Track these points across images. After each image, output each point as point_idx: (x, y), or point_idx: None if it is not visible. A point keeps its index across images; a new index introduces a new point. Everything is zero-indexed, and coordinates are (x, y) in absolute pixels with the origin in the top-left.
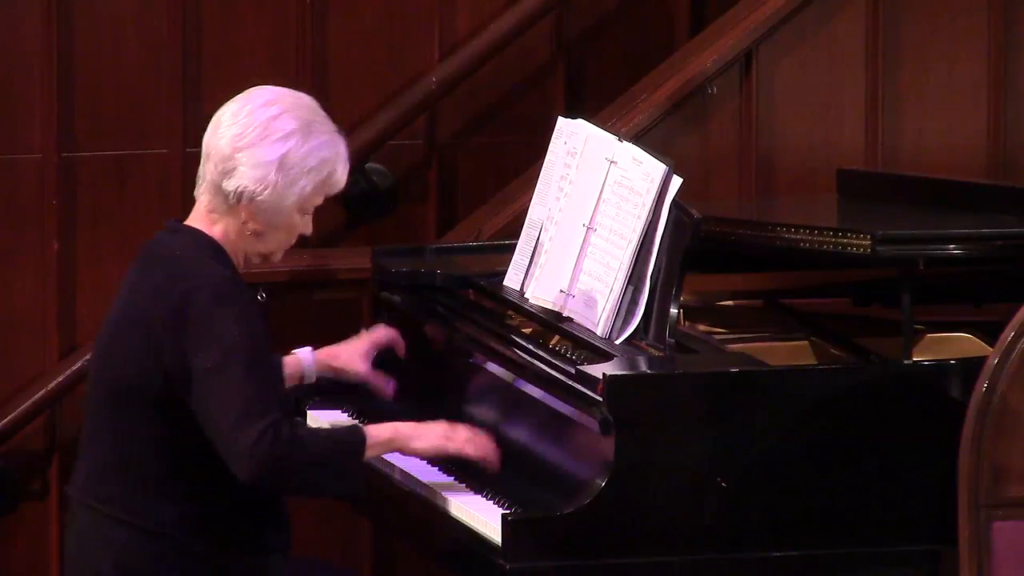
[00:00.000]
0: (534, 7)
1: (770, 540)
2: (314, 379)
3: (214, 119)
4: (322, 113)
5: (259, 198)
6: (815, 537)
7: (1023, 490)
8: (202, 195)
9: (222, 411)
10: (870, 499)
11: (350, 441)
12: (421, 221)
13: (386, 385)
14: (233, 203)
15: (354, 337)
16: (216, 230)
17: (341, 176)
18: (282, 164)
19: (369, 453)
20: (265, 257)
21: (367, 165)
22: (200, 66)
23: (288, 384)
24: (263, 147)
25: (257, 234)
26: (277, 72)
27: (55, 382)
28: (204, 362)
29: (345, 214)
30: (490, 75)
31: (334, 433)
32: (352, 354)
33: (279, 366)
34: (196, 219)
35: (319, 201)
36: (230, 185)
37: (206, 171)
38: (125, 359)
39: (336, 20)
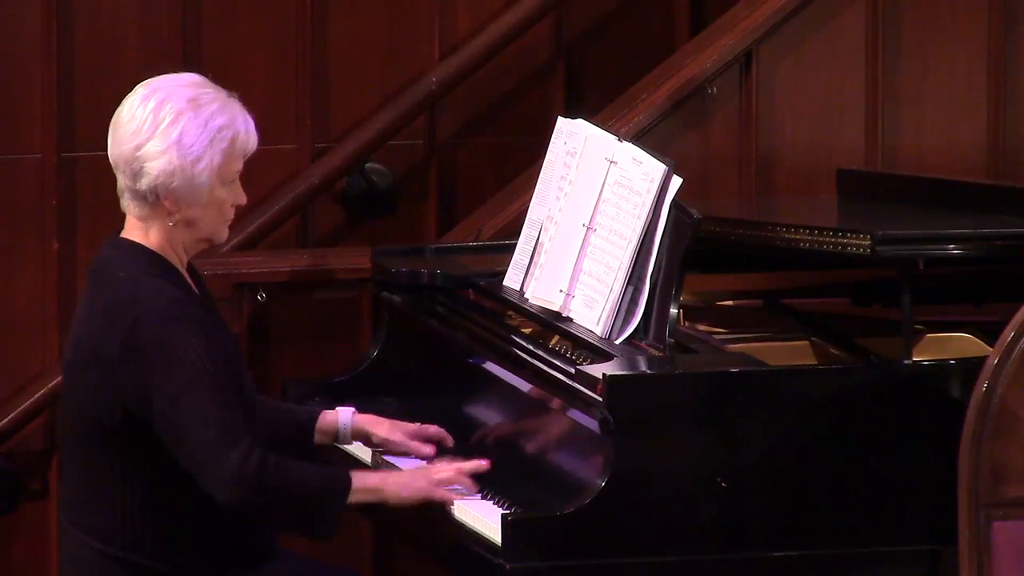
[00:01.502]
0: (534, 7)
1: (770, 540)
2: (350, 441)
3: (109, 131)
4: (209, 85)
5: (173, 186)
6: (815, 537)
7: (1023, 490)
8: (127, 206)
9: (196, 438)
10: (870, 499)
11: (337, 481)
12: (421, 221)
13: (423, 448)
14: (153, 201)
15: (402, 421)
16: (151, 236)
17: (245, 136)
18: (180, 146)
19: (354, 498)
20: (209, 241)
21: (367, 165)
22: (200, 66)
23: (319, 439)
24: (158, 138)
25: (188, 222)
26: (277, 72)
27: (55, 382)
28: (168, 391)
29: (345, 214)
30: (490, 75)
31: (322, 471)
32: (395, 429)
33: (247, 378)
34: (130, 231)
35: (238, 167)
36: (143, 185)
37: (120, 182)
38: (84, 392)
39: (336, 20)
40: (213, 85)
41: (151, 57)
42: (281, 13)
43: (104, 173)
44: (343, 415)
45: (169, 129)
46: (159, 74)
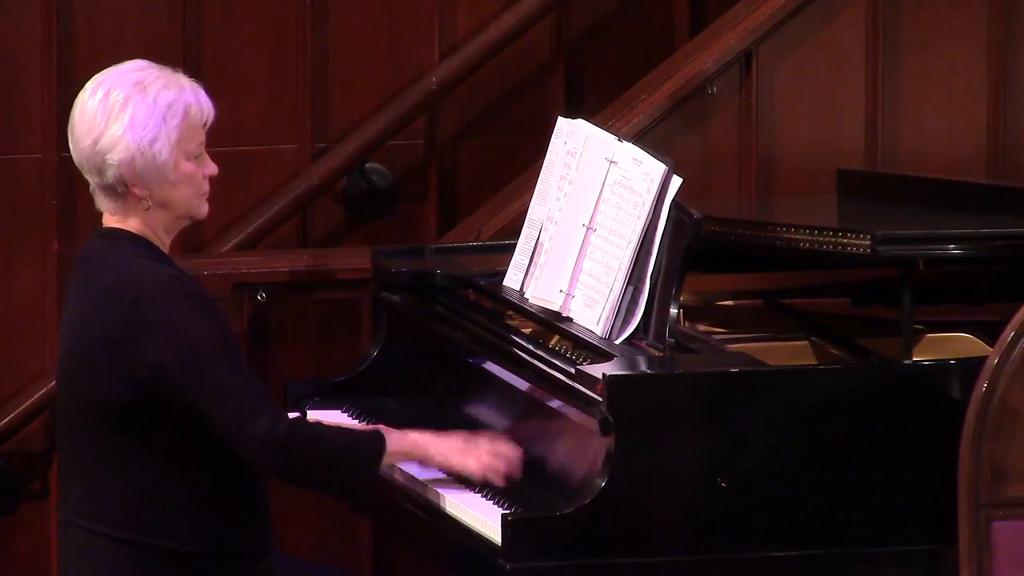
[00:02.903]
0: (534, 7)
1: (770, 540)
2: None
3: (68, 135)
4: (153, 67)
5: (137, 171)
6: (815, 537)
7: (1023, 490)
8: (101, 204)
9: (219, 411)
10: (870, 499)
11: (372, 442)
12: (421, 221)
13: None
14: (123, 192)
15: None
16: (131, 224)
17: (198, 107)
18: (133, 128)
19: (388, 460)
20: (190, 218)
21: (367, 165)
22: (200, 66)
23: None
24: (111, 127)
25: (162, 204)
26: (277, 72)
27: (55, 382)
28: (180, 369)
29: (345, 214)
30: (490, 75)
31: (356, 432)
32: None
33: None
34: (110, 224)
35: (200, 138)
36: (109, 178)
37: (90, 182)
38: (90, 378)
39: (336, 20)
40: (157, 66)
41: (151, 57)
42: (281, 13)
43: None
44: None
45: (120, 115)
46: None
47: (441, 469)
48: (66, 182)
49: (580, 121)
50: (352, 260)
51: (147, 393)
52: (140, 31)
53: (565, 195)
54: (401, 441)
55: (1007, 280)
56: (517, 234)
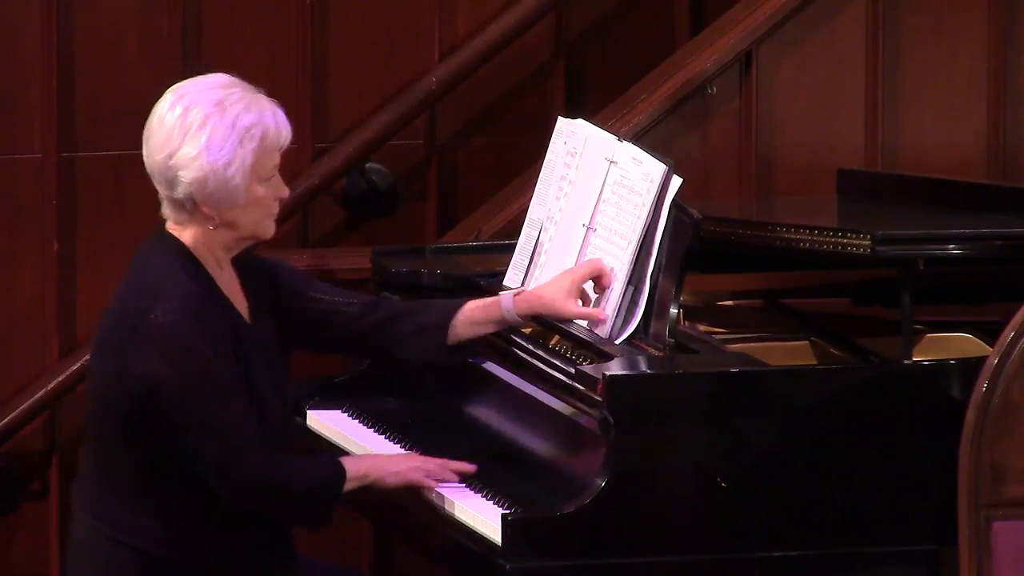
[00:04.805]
0: (534, 7)
1: (770, 540)
2: (520, 323)
3: (143, 141)
4: (236, 84)
5: (208, 191)
6: (815, 537)
7: (1023, 490)
8: (166, 212)
9: (200, 445)
10: (870, 499)
11: (333, 474)
12: (421, 221)
13: (600, 315)
14: (192, 208)
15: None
16: (186, 236)
17: (276, 131)
18: (209, 149)
19: (348, 486)
20: (255, 238)
21: (367, 165)
22: (200, 66)
23: (487, 330)
24: (187, 144)
25: (230, 224)
26: (277, 72)
27: (55, 382)
28: (172, 391)
29: (345, 214)
30: (490, 75)
31: (317, 465)
32: (556, 294)
33: (280, 367)
34: (170, 229)
35: (273, 162)
36: (179, 193)
37: (159, 190)
38: (99, 377)
39: (336, 20)
40: (241, 84)
41: (151, 57)
42: (281, 13)
43: (104, 173)
44: (505, 303)
45: (197, 134)
46: (158, 74)
47: (397, 489)
48: (66, 182)
49: (580, 121)
50: (352, 260)
51: (139, 405)
52: (140, 31)
53: (565, 195)
54: (355, 468)
55: (1007, 280)
56: (517, 234)
